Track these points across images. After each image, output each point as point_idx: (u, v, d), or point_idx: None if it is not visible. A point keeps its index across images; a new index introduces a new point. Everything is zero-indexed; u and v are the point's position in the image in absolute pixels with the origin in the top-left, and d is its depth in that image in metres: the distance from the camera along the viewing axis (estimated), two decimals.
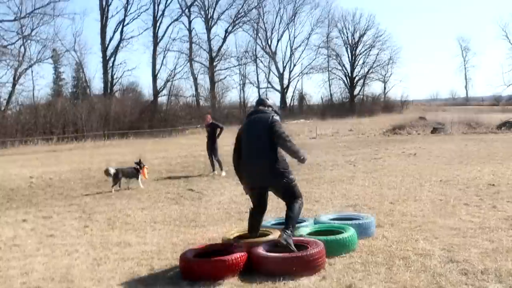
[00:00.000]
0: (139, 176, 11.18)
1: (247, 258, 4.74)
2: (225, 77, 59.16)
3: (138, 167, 11.25)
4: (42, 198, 10.35)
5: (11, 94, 42.71)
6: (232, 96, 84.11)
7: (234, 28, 58.75)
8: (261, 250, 4.79)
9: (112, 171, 10.83)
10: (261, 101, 5.45)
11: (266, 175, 5.11)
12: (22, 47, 43.87)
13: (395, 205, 7.63)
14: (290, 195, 5.21)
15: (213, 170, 13.13)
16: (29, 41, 44.03)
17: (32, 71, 45.61)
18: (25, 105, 42.97)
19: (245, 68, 62.05)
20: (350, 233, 5.28)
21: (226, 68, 59.00)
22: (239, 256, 4.67)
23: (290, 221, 4.99)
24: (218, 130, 13.41)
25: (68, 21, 78.24)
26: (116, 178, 10.76)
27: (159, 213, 8.13)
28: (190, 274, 4.62)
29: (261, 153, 5.10)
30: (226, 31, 57.75)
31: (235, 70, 60.46)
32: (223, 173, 12.68)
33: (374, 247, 5.33)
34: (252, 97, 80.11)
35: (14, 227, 7.52)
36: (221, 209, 8.21)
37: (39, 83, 66.24)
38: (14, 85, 42.61)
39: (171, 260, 5.34)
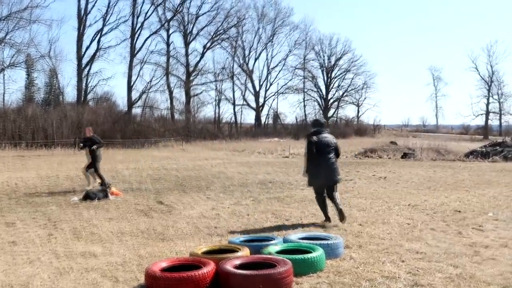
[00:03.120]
0: (109, 196, 10.96)
1: (214, 274, 4.70)
2: (201, 92, 59.22)
3: (106, 188, 11.17)
4: (6, 204, 10.07)
5: None
6: (207, 111, 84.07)
7: (213, 44, 58.96)
8: (229, 267, 4.75)
9: (75, 199, 10.73)
10: (323, 123, 8.44)
11: (335, 174, 7.95)
12: None
13: (364, 227, 7.70)
14: (336, 189, 8.05)
15: (104, 183, 12.18)
16: (2, 44, 43.18)
17: (4, 75, 44.74)
18: None
19: (222, 85, 62.24)
20: (318, 253, 5.29)
21: (202, 83, 59.08)
22: (206, 271, 4.63)
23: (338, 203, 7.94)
24: (96, 145, 12.93)
25: (45, 27, 76.95)
26: (89, 198, 10.63)
27: (127, 225, 8.00)
28: None
29: (334, 160, 7.99)
30: (204, 47, 57.92)
31: (212, 86, 60.60)
32: (90, 187, 12.27)
33: (341, 268, 5.35)
34: (227, 113, 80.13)
35: None
36: (190, 223, 8.13)
37: (10, 87, 64.60)
38: None
39: (136, 272, 5.25)
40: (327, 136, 7.99)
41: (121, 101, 57.40)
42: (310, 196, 11.14)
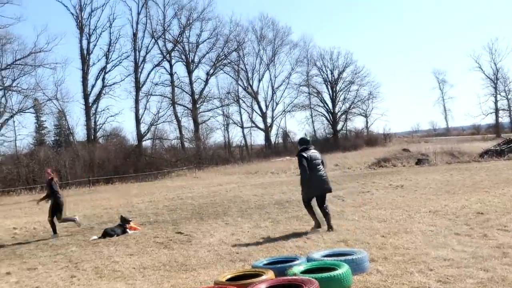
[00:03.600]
0: (127, 231, 10.93)
1: None
2: (209, 119, 59.54)
3: (123, 224, 11.11)
4: (26, 249, 10.08)
5: None
6: (217, 137, 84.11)
7: (215, 70, 59.59)
8: None
9: (94, 237, 10.72)
10: (309, 141, 9.39)
11: (327, 184, 8.99)
12: (3, 98, 43.83)
13: (387, 238, 7.58)
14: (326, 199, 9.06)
15: (54, 232, 11.53)
16: (10, 91, 43.96)
17: (13, 121, 45.40)
18: (7, 155, 42.54)
19: (228, 109, 62.65)
20: (344, 269, 5.20)
21: (209, 110, 59.53)
22: None
23: (329, 217, 8.90)
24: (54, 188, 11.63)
25: (50, 71, 78.11)
26: (108, 235, 10.63)
27: (148, 259, 7.95)
28: None
29: (323, 171, 8.97)
30: (207, 73, 58.51)
31: (218, 111, 61.00)
32: (54, 238, 11.30)
33: (369, 283, 5.25)
34: (236, 136, 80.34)
35: None
36: (211, 251, 8.06)
37: (21, 133, 65.37)
38: None
39: None
40: (314, 152, 9.07)
41: (131, 136, 58.06)
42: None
